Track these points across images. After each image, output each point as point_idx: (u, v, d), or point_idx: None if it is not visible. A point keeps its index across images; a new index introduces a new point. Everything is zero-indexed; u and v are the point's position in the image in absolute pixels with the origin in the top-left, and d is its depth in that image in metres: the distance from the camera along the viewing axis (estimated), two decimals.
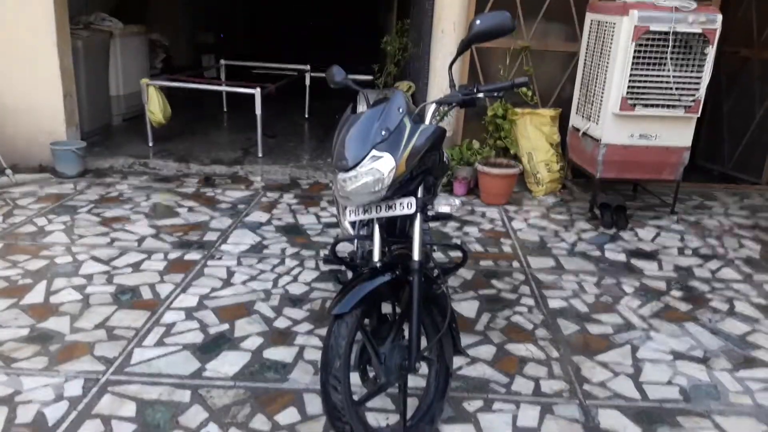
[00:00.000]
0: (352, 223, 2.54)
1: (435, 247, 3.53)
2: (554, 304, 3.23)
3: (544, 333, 2.94)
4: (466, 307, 3.16)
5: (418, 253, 2.05)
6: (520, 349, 2.79)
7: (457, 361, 2.64)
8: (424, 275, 2.12)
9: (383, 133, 1.95)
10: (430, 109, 2.10)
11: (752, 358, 2.77)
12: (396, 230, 2.40)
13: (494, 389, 2.49)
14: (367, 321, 2.10)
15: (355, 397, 2.01)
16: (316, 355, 2.59)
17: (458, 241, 4.02)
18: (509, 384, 2.53)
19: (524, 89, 5.00)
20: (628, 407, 2.40)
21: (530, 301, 3.26)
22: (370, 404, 2.30)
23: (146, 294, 3.09)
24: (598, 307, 3.20)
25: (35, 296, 3.01)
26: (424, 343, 2.07)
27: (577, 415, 2.35)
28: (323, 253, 3.66)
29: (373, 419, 2.23)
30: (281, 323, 2.89)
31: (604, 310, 3.17)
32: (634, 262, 3.79)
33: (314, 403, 2.30)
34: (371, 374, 2.10)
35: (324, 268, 3.47)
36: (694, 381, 2.59)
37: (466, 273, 3.56)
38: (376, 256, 2.14)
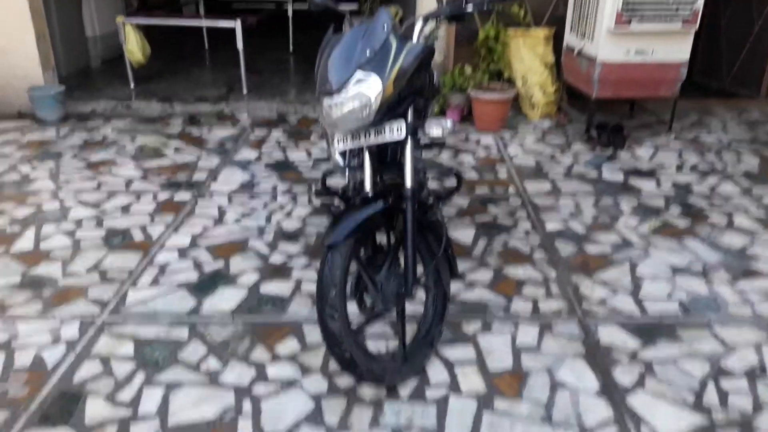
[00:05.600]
0: (343, 154, 2.46)
1: (428, 175, 3.47)
2: (551, 226, 3.20)
3: (542, 255, 2.92)
4: (462, 233, 3.13)
5: (411, 179, 1.98)
6: (518, 272, 2.78)
7: (456, 286, 2.63)
8: (418, 203, 2.07)
9: (368, 52, 1.84)
10: (418, 26, 1.98)
11: (752, 269, 2.76)
12: (388, 159, 2.33)
13: (493, 311, 2.48)
14: (362, 251, 2.06)
15: (354, 327, 1.99)
16: (313, 288, 2.56)
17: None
18: (508, 306, 2.52)
19: (515, 9, 4.80)
20: (627, 323, 2.40)
21: (527, 225, 3.22)
22: (370, 331, 2.30)
23: (138, 236, 3.04)
24: (596, 228, 3.17)
25: (25, 243, 2.96)
26: (421, 270, 2.04)
27: (577, 332, 2.35)
28: (315, 187, 3.60)
29: (373, 346, 2.23)
30: (277, 258, 2.86)
31: (602, 230, 3.14)
32: (632, 181, 3.74)
33: (314, 333, 2.29)
34: (369, 303, 2.08)
35: (316, 202, 3.41)
36: (693, 295, 2.58)
37: (462, 200, 3.51)
38: (368, 186, 2.08)
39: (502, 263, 2.85)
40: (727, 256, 2.87)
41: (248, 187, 3.64)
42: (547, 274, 2.75)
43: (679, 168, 3.95)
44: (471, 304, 2.53)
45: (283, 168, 3.94)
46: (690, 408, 1.97)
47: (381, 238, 2.09)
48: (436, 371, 2.14)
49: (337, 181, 3.23)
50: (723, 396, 2.02)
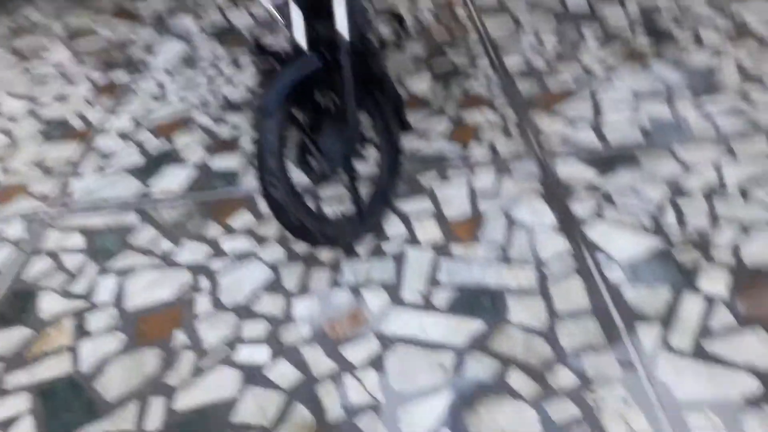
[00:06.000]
0: (277, 7, 2.23)
1: (371, 21, 3.20)
2: (512, 64, 3.03)
3: (501, 95, 2.79)
4: (419, 82, 2.97)
5: (344, 28, 1.81)
6: (476, 117, 2.67)
7: (412, 140, 2.54)
8: (359, 53, 1.91)
9: None
10: None
11: (716, 85, 2.66)
12: (324, 9, 2.12)
13: (450, 160, 2.41)
14: (304, 113, 1.93)
15: (301, 191, 1.92)
16: None
17: (408, 19, 3.67)
18: (465, 153, 2.44)
19: None
20: (588, 156, 2.34)
21: (486, 65, 3.05)
22: (327, 195, 2.24)
23: (76, 124, 2.87)
24: (559, 60, 3.01)
25: None
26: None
27: (536, 171, 2.30)
28: (251, 49, 3.35)
29: (331, 210, 2.18)
30: (224, 132, 2.72)
31: (563, 61, 2.98)
32: (598, 8, 3.49)
33: None
34: (315, 167, 1.99)
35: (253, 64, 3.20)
36: (656, 121, 2.50)
37: (418, 48, 3.30)
38: (300, 40, 1.89)
39: (461, 110, 2.73)
40: (692, 75, 2.75)
41: (189, 59, 3.39)
42: (507, 116, 2.65)
43: None
44: (429, 156, 2.45)
45: (226, 34, 3.65)
46: (648, 232, 1.97)
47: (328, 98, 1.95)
48: (393, 227, 2.11)
49: (279, 41, 3.01)
50: (681, 217, 2.01)
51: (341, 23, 1.82)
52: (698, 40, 3.03)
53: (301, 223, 1.84)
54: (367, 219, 2.04)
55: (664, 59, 2.90)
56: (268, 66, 2.16)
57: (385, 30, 3.25)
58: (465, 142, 2.51)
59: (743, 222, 1.95)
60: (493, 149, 2.45)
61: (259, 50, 2.25)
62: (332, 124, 1.94)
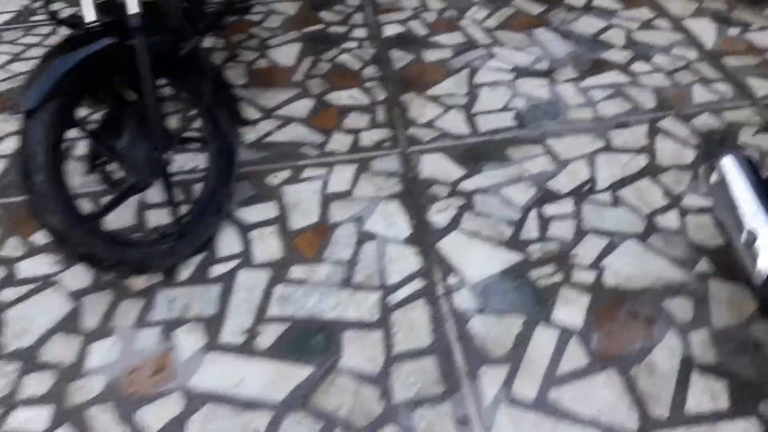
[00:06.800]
0: None
1: None
2: (390, 30, 2.71)
3: (373, 71, 2.48)
4: (284, 53, 2.61)
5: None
6: (342, 97, 2.35)
7: (267, 125, 2.22)
8: (167, 30, 1.56)
9: None
10: None
11: (602, 61, 2.44)
12: None
13: (306, 153, 2.11)
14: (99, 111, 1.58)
15: (93, 211, 1.59)
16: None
17: None
18: (324, 143, 2.15)
19: None
20: (454, 148, 2.09)
21: (362, 33, 2.71)
22: (142, 202, 1.90)
23: None
24: (440, 27, 2.70)
25: None
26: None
27: (397, 166, 2.04)
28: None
29: (155, 220, 1.86)
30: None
31: (446, 29, 2.69)
32: None
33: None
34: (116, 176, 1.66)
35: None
36: (532, 101, 2.27)
37: (289, 7, 2.91)
38: (86, 12, 1.50)
39: (326, 87, 2.40)
40: (579, 47, 2.52)
41: (21, 17, 2.87)
42: (375, 96, 2.35)
43: None
44: (283, 146, 2.14)
45: None
46: (505, 245, 1.76)
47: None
48: (227, 241, 1.82)
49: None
50: (544, 224, 1.81)
51: None
52: (589, 2, 2.78)
53: (89, 252, 1.51)
54: (190, 236, 1.74)
55: (551, 27, 2.64)
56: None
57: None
58: (327, 130, 2.21)
59: (610, 231, 1.78)
60: (356, 138, 2.16)
61: (54, 19, 1.82)
62: (133, 121, 1.59)
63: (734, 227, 1.34)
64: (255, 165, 2.05)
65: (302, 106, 2.32)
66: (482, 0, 2.86)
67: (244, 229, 1.85)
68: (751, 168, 1.38)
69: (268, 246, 1.79)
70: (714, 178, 1.39)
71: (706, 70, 2.35)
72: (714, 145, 2.01)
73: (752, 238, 1.29)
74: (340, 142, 2.15)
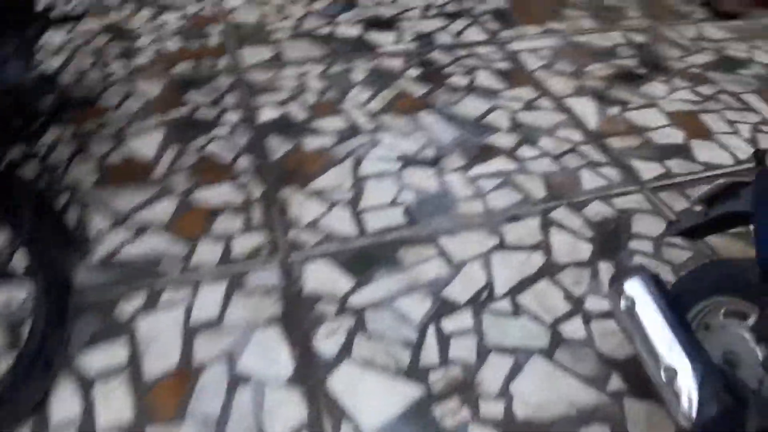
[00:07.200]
0: None
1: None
2: (266, 114, 2.48)
3: (248, 163, 2.23)
4: (144, 143, 2.30)
5: None
6: (211, 195, 2.08)
7: (118, 237, 1.88)
8: None
9: None
10: None
11: (488, 146, 2.34)
12: None
13: (165, 271, 1.80)
14: None
15: None
16: None
17: (146, 41, 2.94)
18: (189, 255, 1.85)
19: None
20: (341, 253, 1.87)
21: (235, 117, 2.47)
22: None
23: None
24: (321, 110, 2.52)
25: None
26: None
27: (277, 280, 1.78)
28: None
29: None
30: None
31: (328, 113, 2.50)
32: (370, 35, 3.07)
33: None
34: None
35: None
36: (422, 194, 2.11)
37: (151, 88, 2.61)
38: None
39: (192, 184, 2.12)
40: (464, 131, 2.42)
41: None
42: (250, 193, 2.09)
43: (426, 10, 3.34)
44: (137, 263, 1.82)
45: None
46: (404, 375, 1.54)
47: None
48: (62, 401, 1.45)
49: None
50: (444, 343, 1.62)
51: None
52: (472, 82, 2.72)
53: None
54: (10, 404, 1.36)
55: (435, 110, 2.54)
56: None
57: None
58: (193, 237, 1.91)
59: (514, 347, 1.61)
60: (227, 247, 1.88)
61: None
62: None
63: (650, 361, 1.21)
64: (101, 291, 1.71)
65: (163, 209, 2.01)
66: (364, 80, 2.72)
67: (85, 382, 1.49)
68: (659, 289, 1.27)
69: (115, 403, 1.45)
70: (622, 305, 1.26)
71: (592, 152, 2.32)
72: (609, 238, 1.94)
73: (671, 375, 1.16)
74: (208, 252, 1.86)
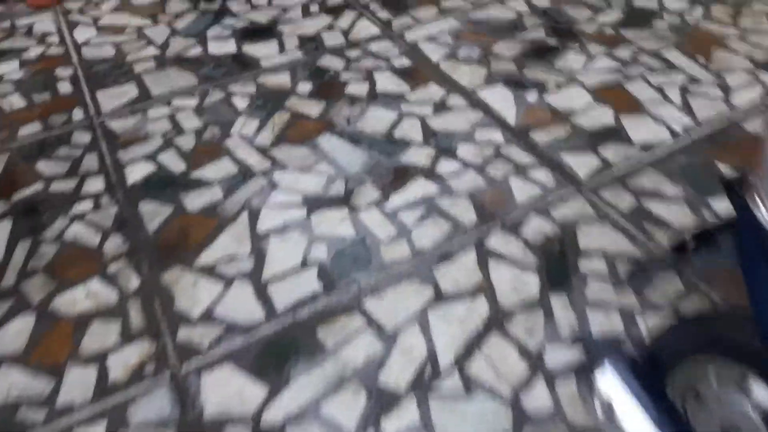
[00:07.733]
0: None
1: None
2: (136, 172, 2.07)
3: (119, 243, 1.82)
4: None
5: None
6: (76, 298, 1.67)
7: None
8: None
9: None
10: None
11: (403, 167, 2.02)
12: None
13: (26, 421, 1.39)
14: None
15: None
16: None
17: None
18: (54, 393, 1.45)
19: None
20: (246, 350, 1.52)
21: (99, 184, 2.04)
22: None
23: None
24: (202, 154, 2.12)
25: None
26: None
27: (169, 405, 1.41)
28: None
29: None
30: None
31: (210, 156, 2.11)
32: (248, 48, 2.66)
33: None
34: None
35: None
36: (336, 245, 1.77)
37: None
38: None
39: (52, 288, 1.70)
40: (373, 152, 2.08)
41: None
42: (126, 286, 1.69)
43: (307, 7, 2.95)
44: None
45: None
46: None
47: None
48: None
49: None
50: None
51: None
52: (373, 89, 2.38)
53: None
54: None
55: (337, 131, 2.18)
56: None
57: None
58: (57, 366, 1.51)
59: None
60: (102, 368, 1.50)
61: None
62: None
63: None
64: None
65: (16, 332, 1.59)
66: (248, 106, 2.32)
67: None
68: (634, 377, 0.99)
69: None
70: (598, 405, 0.99)
71: (518, 154, 2.03)
72: (556, 264, 1.67)
73: None
74: (78, 384, 1.47)
